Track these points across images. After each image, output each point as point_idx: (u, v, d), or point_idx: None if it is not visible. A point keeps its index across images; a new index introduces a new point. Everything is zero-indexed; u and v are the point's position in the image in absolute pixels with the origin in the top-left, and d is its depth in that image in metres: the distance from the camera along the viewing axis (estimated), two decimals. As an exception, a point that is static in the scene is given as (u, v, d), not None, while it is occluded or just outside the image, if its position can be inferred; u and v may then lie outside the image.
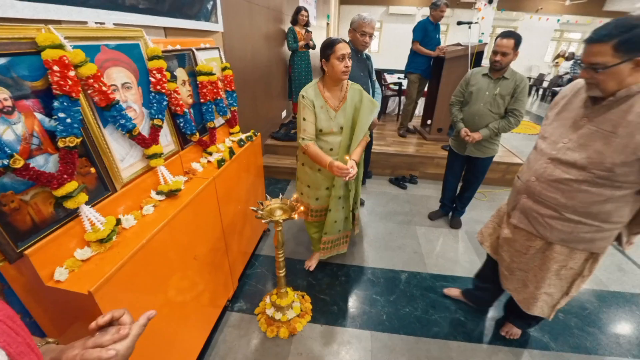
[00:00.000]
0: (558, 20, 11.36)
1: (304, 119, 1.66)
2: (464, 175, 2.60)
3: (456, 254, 2.45)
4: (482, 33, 9.34)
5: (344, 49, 1.55)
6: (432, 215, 2.90)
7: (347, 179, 1.53)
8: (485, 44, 3.78)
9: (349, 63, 1.58)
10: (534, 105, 8.97)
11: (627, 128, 0.96)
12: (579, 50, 10.83)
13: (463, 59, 3.48)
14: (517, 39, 1.97)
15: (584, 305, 2.03)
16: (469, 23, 3.47)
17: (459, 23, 3.58)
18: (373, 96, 2.42)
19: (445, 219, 2.89)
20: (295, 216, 1.40)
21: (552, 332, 1.82)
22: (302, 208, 1.45)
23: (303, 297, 1.95)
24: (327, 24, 8.23)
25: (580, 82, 1.16)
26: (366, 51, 2.33)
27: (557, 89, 8.72)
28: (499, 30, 12.02)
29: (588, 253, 1.21)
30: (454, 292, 2.03)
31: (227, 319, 1.81)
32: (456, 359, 1.64)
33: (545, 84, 9.58)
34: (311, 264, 2.24)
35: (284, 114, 4.49)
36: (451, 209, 2.87)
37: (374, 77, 2.46)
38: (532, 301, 1.37)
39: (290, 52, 3.99)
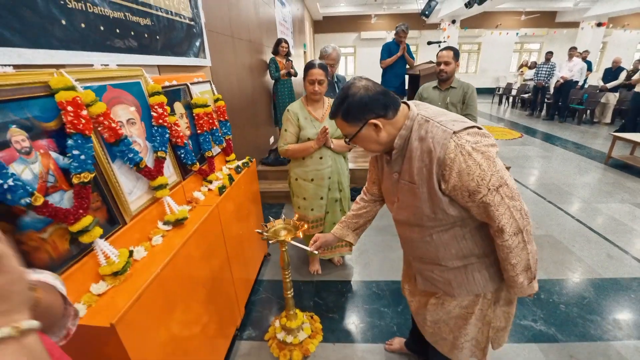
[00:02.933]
0: (517, 34, 12.28)
1: (285, 130, 1.88)
2: None
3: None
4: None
5: (315, 75, 1.75)
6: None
7: (329, 141, 1.82)
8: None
9: (317, 88, 1.78)
10: (506, 112, 9.45)
11: (419, 175, 0.89)
12: (539, 59, 11.62)
13: (435, 75, 3.78)
14: (455, 51, 2.26)
15: (582, 294, 2.09)
16: (438, 42, 3.75)
17: (429, 43, 3.86)
18: None
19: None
20: (300, 234, 1.43)
21: (557, 323, 1.86)
22: (305, 226, 1.49)
23: (312, 317, 1.93)
24: (304, 52, 8.59)
25: None
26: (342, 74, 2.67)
27: (525, 95, 9.25)
28: (465, 47, 12.85)
29: (491, 293, 1.04)
30: (396, 344, 1.72)
31: (237, 348, 1.77)
32: None
33: (514, 92, 10.15)
34: (316, 268, 2.36)
35: (272, 140, 4.58)
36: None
37: None
38: (457, 351, 1.17)
39: (273, 81, 4.14)
